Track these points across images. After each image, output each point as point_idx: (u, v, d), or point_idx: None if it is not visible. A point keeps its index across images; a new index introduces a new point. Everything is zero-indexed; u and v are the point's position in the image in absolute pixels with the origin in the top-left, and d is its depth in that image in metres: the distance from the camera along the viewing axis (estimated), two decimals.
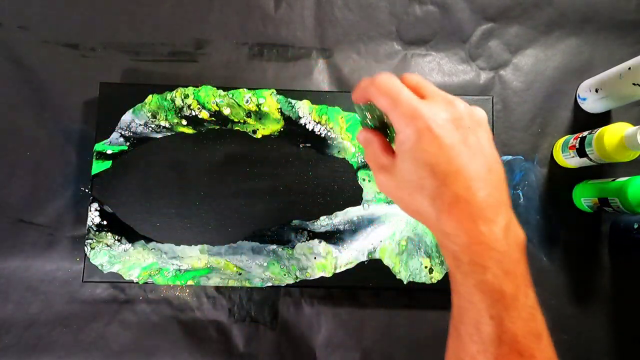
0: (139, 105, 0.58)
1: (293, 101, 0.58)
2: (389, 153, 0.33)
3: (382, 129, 0.36)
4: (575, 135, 0.58)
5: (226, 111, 0.58)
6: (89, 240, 0.56)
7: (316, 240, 0.57)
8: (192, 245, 0.56)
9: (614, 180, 0.55)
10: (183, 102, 0.58)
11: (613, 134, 0.52)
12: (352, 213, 0.57)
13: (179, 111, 0.58)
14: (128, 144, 0.58)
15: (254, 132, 0.58)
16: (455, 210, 0.29)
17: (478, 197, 0.28)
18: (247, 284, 0.56)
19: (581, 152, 0.56)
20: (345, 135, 0.58)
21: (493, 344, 0.28)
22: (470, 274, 0.29)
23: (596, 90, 0.59)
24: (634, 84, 0.52)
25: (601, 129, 0.53)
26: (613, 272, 0.60)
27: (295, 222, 0.57)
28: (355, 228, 0.57)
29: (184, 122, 0.58)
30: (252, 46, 0.64)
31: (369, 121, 0.36)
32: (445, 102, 0.31)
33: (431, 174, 0.29)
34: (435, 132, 0.29)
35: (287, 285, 0.56)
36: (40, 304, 0.59)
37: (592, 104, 0.61)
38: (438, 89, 0.32)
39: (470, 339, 0.30)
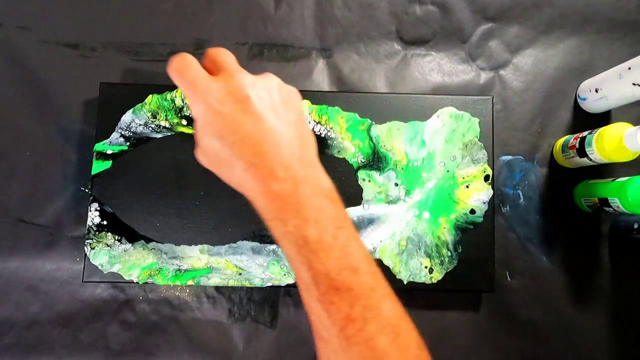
0: (139, 105, 0.58)
1: None
2: None
3: None
4: (575, 135, 0.58)
5: None
6: (89, 240, 0.56)
7: None
8: (192, 245, 0.56)
9: (614, 180, 0.55)
10: (183, 102, 0.58)
11: (613, 134, 0.52)
12: (352, 213, 0.57)
13: (179, 111, 0.58)
14: (128, 144, 0.58)
15: None
16: (249, 175, 0.31)
17: (265, 160, 0.31)
18: (247, 284, 0.56)
19: (581, 152, 0.56)
20: (345, 135, 0.58)
21: (312, 286, 0.31)
22: (276, 229, 0.32)
23: (596, 90, 0.59)
24: (634, 84, 0.52)
25: (601, 129, 0.53)
26: (613, 272, 0.60)
27: None
28: (355, 228, 0.57)
29: (184, 122, 0.58)
30: (252, 46, 0.64)
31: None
32: (227, 76, 0.32)
33: (223, 146, 0.31)
34: (215, 107, 0.31)
35: (287, 285, 0.56)
36: (40, 304, 0.59)
37: (592, 104, 0.61)
38: (233, 63, 0.34)
39: (300, 287, 0.32)
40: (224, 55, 0.34)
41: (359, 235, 0.57)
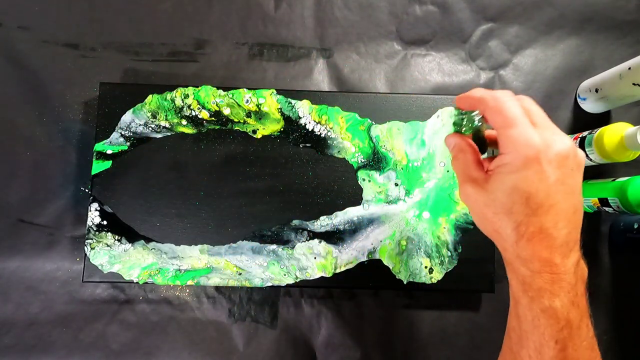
0: (139, 105, 0.58)
1: (293, 101, 0.58)
2: (481, 168, 0.35)
3: (474, 140, 0.37)
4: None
5: (226, 111, 0.58)
6: (89, 240, 0.56)
7: (316, 240, 0.57)
8: (192, 245, 0.56)
9: (614, 180, 0.55)
10: (183, 102, 0.58)
11: (613, 134, 0.52)
12: (352, 213, 0.57)
13: (179, 111, 0.58)
14: (128, 144, 0.58)
15: (254, 132, 0.58)
16: (536, 239, 0.31)
17: (560, 233, 0.31)
18: (247, 284, 0.56)
19: None
20: (345, 135, 0.58)
21: None
22: (538, 299, 0.31)
23: (596, 90, 0.59)
24: (634, 84, 0.52)
25: (601, 129, 0.53)
26: (613, 272, 0.60)
27: (295, 222, 0.57)
28: (355, 228, 0.57)
29: (184, 122, 0.58)
30: (252, 46, 0.64)
31: (463, 128, 0.37)
32: (555, 136, 0.32)
33: (525, 202, 0.31)
34: (543, 165, 0.30)
35: (287, 285, 0.56)
36: (40, 304, 0.59)
37: (592, 104, 0.61)
38: (548, 119, 0.33)
39: (534, 355, 0.32)
40: (537, 108, 0.34)
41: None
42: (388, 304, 0.60)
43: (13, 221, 0.60)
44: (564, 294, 0.31)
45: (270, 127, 0.58)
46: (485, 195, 0.33)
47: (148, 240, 0.56)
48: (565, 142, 0.32)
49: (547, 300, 0.31)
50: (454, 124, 0.37)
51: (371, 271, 0.56)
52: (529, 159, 0.30)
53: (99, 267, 0.55)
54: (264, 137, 0.58)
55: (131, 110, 0.57)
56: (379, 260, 0.57)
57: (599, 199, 0.56)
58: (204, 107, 0.58)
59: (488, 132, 0.38)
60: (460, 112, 0.36)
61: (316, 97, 0.58)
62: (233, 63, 0.63)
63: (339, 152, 0.58)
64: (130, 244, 0.56)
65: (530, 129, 0.31)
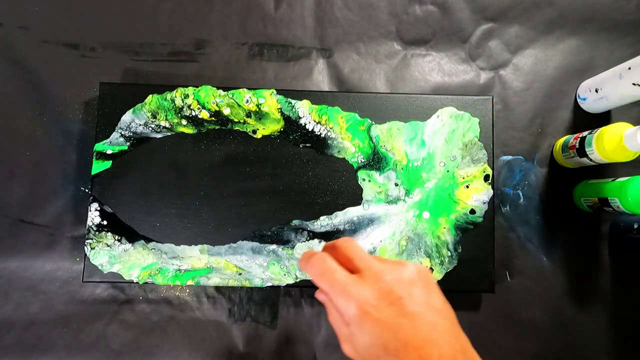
0: (139, 105, 0.58)
1: (293, 101, 0.58)
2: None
3: None
4: (575, 135, 0.58)
5: (226, 111, 0.58)
6: (89, 240, 0.56)
7: (316, 240, 0.57)
8: (192, 245, 0.56)
9: (614, 180, 0.55)
10: (183, 102, 0.58)
11: (613, 134, 0.52)
12: (352, 213, 0.57)
13: (179, 111, 0.58)
14: (128, 144, 0.58)
15: (254, 132, 0.58)
16: None
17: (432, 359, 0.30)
18: (247, 284, 0.56)
19: (581, 152, 0.56)
20: (345, 135, 0.58)
21: None
22: None
23: (596, 90, 0.59)
24: (634, 84, 0.52)
25: (601, 129, 0.53)
26: (613, 272, 0.60)
27: (295, 222, 0.57)
28: (355, 228, 0.57)
29: (184, 122, 0.58)
30: (252, 46, 0.64)
31: None
32: (373, 279, 0.32)
33: (385, 352, 0.30)
34: (371, 313, 0.30)
35: (287, 285, 0.56)
36: (40, 304, 0.59)
37: (592, 104, 0.61)
38: (368, 258, 0.33)
39: None
40: (358, 251, 0.34)
41: (361, 234, 0.57)
42: None
43: (13, 221, 0.60)
44: None
45: (270, 127, 0.58)
46: (357, 351, 0.32)
47: (148, 240, 0.56)
48: (382, 279, 0.31)
49: None
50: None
51: None
52: (358, 313, 0.31)
53: (99, 267, 0.55)
54: (264, 137, 0.58)
55: (131, 110, 0.57)
56: None
57: (599, 199, 0.56)
58: (204, 107, 0.58)
59: None
60: None
61: (316, 97, 0.58)
62: (233, 63, 0.63)
63: (339, 152, 0.58)
64: (130, 244, 0.56)
65: (349, 284, 0.31)
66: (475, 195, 0.57)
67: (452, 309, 0.34)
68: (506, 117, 0.63)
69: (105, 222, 0.56)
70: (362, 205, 0.58)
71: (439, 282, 0.56)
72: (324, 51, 0.64)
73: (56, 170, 0.61)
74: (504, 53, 0.64)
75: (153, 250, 0.56)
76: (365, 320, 0.30)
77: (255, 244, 0.57)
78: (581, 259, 0.61)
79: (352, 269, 0.33)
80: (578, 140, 0.57)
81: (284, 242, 0.57)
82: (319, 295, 0.36)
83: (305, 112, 0.58)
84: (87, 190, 0.60)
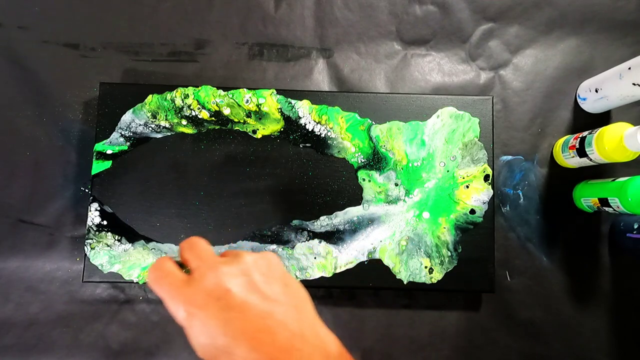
0: (139, 105, 0.58)
1: (293, 101, 0.58)
2: None
3: None
4: (575, 135, 0.58)
5: (226, 111, 0.58)
6: (89, 240, 0.56)
7: (316, 240, 0.57)
8: None
9: (614, 180, 0.55)
10: (183, 102, 0.58)
11: (613, 134, 0.52)
12: (352, 213, 0.57)
13: (179, 111, 0.58)
14: (128, 144, 0.58)
15: (254, 132, 0.58)
16: None
17: (264, 351, 0.29)
18: None
19: (581, 152, 0.56)
20: (345, 135, 0.58)
21: None
22: None
23: (596, 90, 0.59)
24: (634, 84, 0.52)
25: (601, 129, 0.53)
26: (613, 272, 0.60)
27: (295, 222, 0.57)
28: (355, 228, 0.57)
29: (184, 122, 0.58)
30: (252, 46, 0.64)
31: None
32: (199, 275, 0.31)
33: (217, 349, 0.30)
34: (197, 314, 0.30)
35: None
36: (40, 304, 0.59)
37: (592, 104, 0.61)
38: (202, 256, 0.33)
39: None
40: (194, 250, 0.33)
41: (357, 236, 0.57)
42: (388, 304, 0.60)
43: (13, 221, 0.60)
44: None
45: (270, 127, 0.58)
46: (205, 356, 0.31)
47: (148, 240, 0.56)
48: (203, 281, 0.31)
49: None
50: None
51: (371, 271, 0.56)
52: (188, 316, 0.30)
53: (99, 267, 0.55)
54: (264, 137, 0.58)
55: (131, 110, 0.57)
56: (379, 260, 0.57)
57: (599, 199, 0.56)
58: (204, 107, 0.58)
59: None
60: None
61: (316, 97, 0.58)
62: (233, 63, 0.63)
63: (339, 152, 0.58)
64: (130, 244, 0.56)
65: (175, 287, 0.31)
66: (475, 195, 0.57)
67: (303, 293, 0.34)
68: (506, 117, 0.63)
69: (105, 222, 0.56)
70: (362, 205, 0.58)
71: (439, 282, 0.56)
72: (324, 51, 0.64)
73: (56, 170, 0.61)
74: (504, 53, 0.64)
75: (153, 250, 0.56)
76: (193, 322, 0.30)
77: (255, 244, 0.57)
78: (581, 259, 0.61)
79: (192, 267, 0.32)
80: (578, 140, 0.57)
81: (284, 242, 0.57)
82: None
83: (305, 112, 0.58)
84: (87, 190, 0.60)
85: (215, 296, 0.30)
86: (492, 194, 0.57)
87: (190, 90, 0.58)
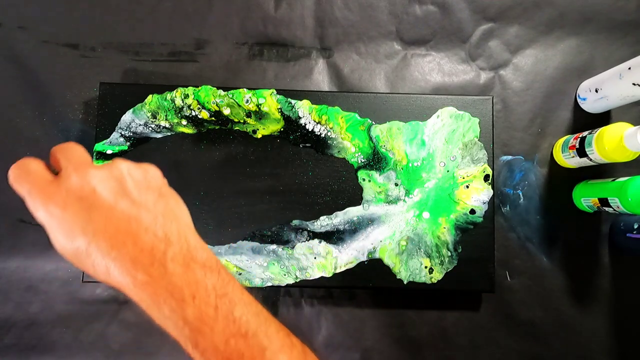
0: (139, 105, 0.58)
1: (293, 101, 0.58)
2: None
3: None
4: (575, 135, 0.58)
5: (226, 111, 0.58)
6: None
7: (316, 240, 0.57)
8: None
9: (614, 180, 0.55)
10: (183, 102, 0.58)
11: (613, 134, 0.52)
12: (352, 213, 0.57)
13: (179, 111, 0.58)
14: (128, 144, 0.58)
15: (254, 132, 0.58)
16: (115, 270, 0.29)
17: (124, 251, 0.29)
18: (247, 284, 0.56)
19: (581, 152, 0.56)
20: (345, 135, 0.58)
21: None
22: (155, 316, 0.31)
23: (596, 90, 0.59)
24: (634, 84, 0.52)
25: (601, 129, 0.53)
26: (613, 272, 0.60)
27: (295, 222, 0.57)
28: (355, 228, 0.57)
29: (184, 122, 0.58)
30: (252, 46, 0.64)
31: None
32: (65, 174, 0.31)
33: (78, 249, 0.29)
34: (58, 212, 0.29)
35: (287, 285, 0.56)
36: (40, 304, 0.59)
37: (592, 104, 0.61)
38: (72, 157, 0.32)
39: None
40: (65, 152, 0.32)
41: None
42: (388, 304, 0.60)
43: (13, 221, 0.60)
44: (165, 301, 0.30)
45: (270, 127, 0.58)
46: (68, 258, 0.31)
47: None
48: (62, 181, 0.30)
49: (158, 313, 0.31)
50: None
51: (371, 271, 0.56)
52: (46, 214, 0.30)
53: None
54: (264, 137, 0.58)
55: (131, 110, 0.57)
56: (379, 260, 0.57)
57: (599, 199, 0.56)
58: (204, 107, 0.58)
59: None
60: None
61: (316, 97, 0.58)
62: (233, 63, 0.63)
63: (339, 152, 0.58)
64: None
65: (40, 186, 0.31)
66: (475, 195, 0.57)
67: (180, 207, 0.34)
68: (506, 117, 0.63)
69: None
70: (362, 205, 0.58)
71: (439, 282, 0.56)
72: (324, 51, 0.64)
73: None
74: (504, 53, 0.64)
75: None
76: (52, 222, 0.30)
77: (255, 244, 0.57)
78: (581, 259, 0.61)
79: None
80: (578, 140, 0.57)
81: (284, 242, 0.57)
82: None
83: (305, 112, 0.58)
84: None
85: (77, 196, 0.30)
86: (492, 194, 0.57)
87: (190, 90, 0.58)
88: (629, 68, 0.52)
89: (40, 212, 0.30)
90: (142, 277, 0.29)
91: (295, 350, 0.33)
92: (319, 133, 0.58)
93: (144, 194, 0.32)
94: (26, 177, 0.31)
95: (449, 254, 0.57)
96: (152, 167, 0.34)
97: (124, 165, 0.32)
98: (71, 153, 0.32)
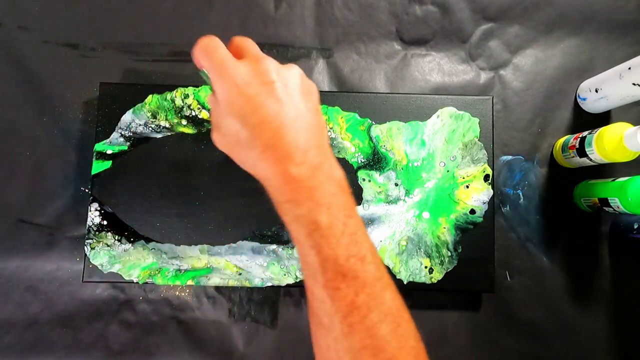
0: (139, 105, 0.58)
1: None
2: None
3: None
4: (575, 135, 0.58)
5: None
6: (89, 240, 0.56)
7: None
8: (192, 245, 0.56)
9: (614, 180, 0.55)
10: (183, 102, 0.58)
11: (613, 134, 0.52)
12: None
13: (179, 111, 0.58)
14: (128, 144, 0.58)
15: None
16: (266, 156, 0.32)
17: (284, 143, 0.31)
18: (247, 284, 0.56)
19: (581, 152, 0.56)
20: (345, 135, 0.58)
21: (319, 272, 0.31)
22: (288, 211, 0.32)
23: (596, 90, 0.59)
24: (634, 84, 0.52)
25: (601, 129, 0.53)
26: (613, 272, 0.60)
27: None
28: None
29: (184, 122, 0.58)
30: None
31: (211, 84, 0.38)
32: (253, 59, 0.33)
33: (243, 126, 0.32)
34: (241, 87, 0.32)
35: (287, 285, 0.56)
36: (40, 304, 0.59)
37: (592, 104, 0.61)
38: (257, 50, 0.35)
39: (305, 273, 0.33)
40: (250, 43, 0.35)
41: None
42: None
43: (13, 221, 0.60)
44: (306, 199, 0.31)
45: None
46: (222, 135, 0.34)
47: (148, 240, 0.56)
48: (262, 61, 0.33)
49: (293, 210, 0.32)
50: (209, 85, 0.38)
51: None
52: (229, 86, 0.32)
53: (99, 267, 0.55)
54: None
55: (131, 110, 0.57)
56: None
57: (599, 199, 0.56)
58: (204, 107, 0.58)
59: None
60: (201, 73, 0.38)
61: None
62: None
63: (339, 152, 0.58)
64: (130, 244, 0.56)
65: (227, 60, 0.32)
66: (475, 195, 0.57)
67: (324, 129, 0.36)
68: (506, 117, 0.63)
69: (105, 222, 0.56)
70: (362, 205, 0.58)
71: (439, 282, 0.56)
72: (324, 51, 0.64)
73: (56, 170, 0.61)
74: (504, 53, 0.64)
75: (153, 250, 0.56)
76: (232, 92, 0.32)
77: (255, 244, 0.57)
78: (581, 259, 0.61)
79: (239, 57, 0.34)
80: (578, 140, 0.57)
81: (284, 242, 0.57)
82: (208, 99, 0.37)
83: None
84: (87, 190, 0.60)
85: (261, 81, 0.32)
86: (492, 194, 0.57)
87: (190, 90, 0.58)
88: (629, 68, 0.52)
89: (225, 84, 0.32)
90: (294, 172, 0.31)
91: (397, 291, 0.34)
92: None
93: (308, 101, 0.34)
94: (217, 50, 0.33)
95: (449, 254, 0.57)
96: (313, 83, 0.37)
97: (297, 71, 0.35)
98: (255, 46, 0.35)
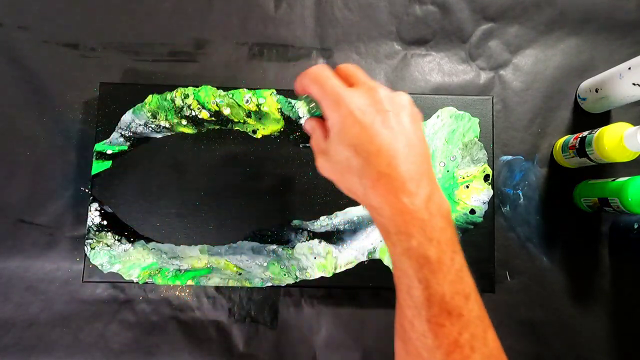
0: (139, 105, 0.58)
1: (293, 101, 0.58)
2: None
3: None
4: (575, 135, 0.58)
5: (226, 111, 0.58)
6: (89, 240, 0.56)
7: (316, 240, 0.57)
8: (192, 245, 0.56)
9: (614, 180, 0.55)
10: (183, 102, 0.58)
11: (613, 134, 0.52)
12: (352, 213, 0.57)
13: (179, 111, 0.58)
14: (128, 144, 0.58)
15: (254, 132, 0.58)
16: (379, 186, 0.31)
17: (398, 172, 0.31)
18: (247, 284, 0.56)
19: (581, 152, 0.56)
20: None
21: (424, 306, 0.31)
22: (398, 243, 0.32)
23: (596, 90, 0.59)
24: (634, 84, 0.52)
25: (601, 129, 0.53)
26: (613, 272, 0.60)
27: (295, 222, 0.57)
28: (355, 228, 0.57)
29: (184, 122, 0.58)
30: (252, 46, 0.64)
31: (313, 110, 0.39)
32: (366, 88, 0.33)
33: (356, 154, 0.32)
34: (356, 116, 0.32)
35: (287, 285, 0.56)
36: (40, 304, 0.59)
37: (592, 104, 0.61)
38: (367, 77, 0.35)
39: (406, 304, 0.32)
40: (359, 71, 0.35)
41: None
42: (388, 304, 0.60)
43: (13, 221, 0.60)
44: (417, 232, 0.31)
45: (270, 127, 0.58)
46: (329, 161, 0.34)
47: (148, 240, 0.56)
48: (375, 90, 0.33)
49: (404, 242, 0.31)
50: (307, 110, 0.40)
51: (371, 271, 0.56)
52: (344, 114, 0.32)
53: (99, 267, 0.55)
54: (264, 137, 0.58)
55: (131, 110, 0.57)
56: (379, 260, 0.57)
57: (599, 199, 0.56)
58: (204, 107, 0.58)
59: None
60: (303, 98, 0.39)
61: None
62: (233, 63, 0.63)
63: None
64: (130, 244, 0.56)
65: (340, 89, 0.33)
66: (475, 195, 0.57)
67: (430, 157, 0.35)
68: (506, 117, 0.63)
69: (105, 222, 0.56)
70: (362, 205, 0.58)
71: None
72: (324, 51, 0.64)
73: (56, 170, 0.61)
74: (504, 53, 0.64)
75: (153, 250, 0.56)
76: (347, 121, 0.32)
77: (255, 244, 0.57)
78: (581, 259, 0.61)
79: (349, 85, 0.34)
80: (578, 140, 0.57)
81: (284, 242, 0.57)
82: (306, 124, 0.38)
83: (305, 112, 0.58)
84: (87, 190, 0.60)
85: (376, 109, 0.32)
86: (492, 194, 0.57)
87: (190, 90, 0.58)
88: (629, 68, 0.52)
89: (340, 112, 0.32)
90: (407, 202, 0.31)
91: (495, 333, 0.34)
92: None
93: (418, 130, 0.34)
94: (330, 79, 0.34)
95: None
96: (419, 111, 0.36)
97: (407, 99, 0.35)
98: (364, 73, 0.35)
